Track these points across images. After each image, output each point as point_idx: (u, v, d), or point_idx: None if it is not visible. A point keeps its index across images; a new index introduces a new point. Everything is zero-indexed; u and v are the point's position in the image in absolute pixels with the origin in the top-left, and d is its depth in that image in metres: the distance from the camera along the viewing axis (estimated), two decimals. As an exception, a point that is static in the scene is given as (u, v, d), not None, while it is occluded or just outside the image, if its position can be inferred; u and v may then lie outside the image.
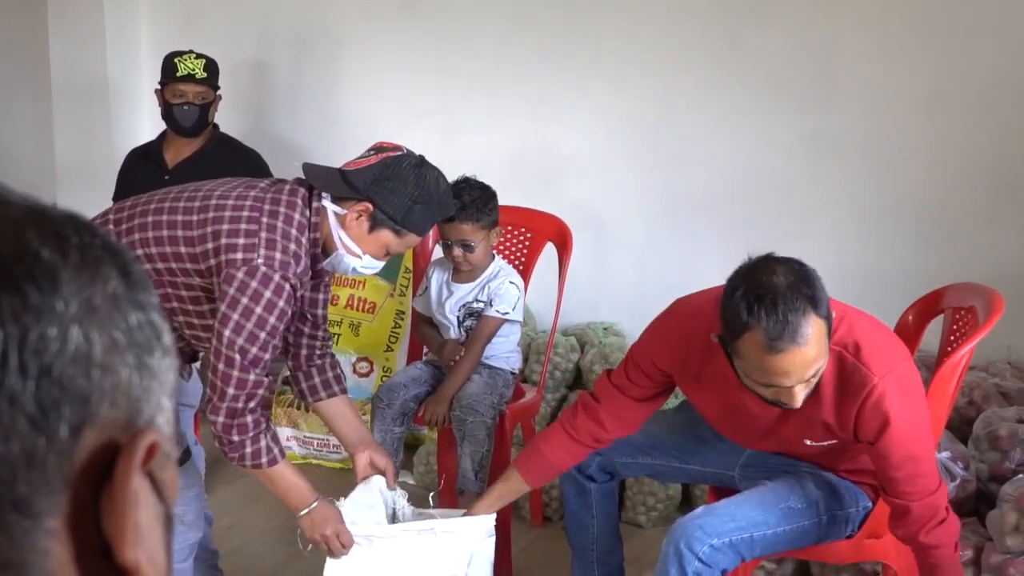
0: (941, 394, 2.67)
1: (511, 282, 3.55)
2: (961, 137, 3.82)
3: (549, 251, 3.88)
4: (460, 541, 2.83)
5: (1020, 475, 3.16)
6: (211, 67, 4.25)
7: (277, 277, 2.54)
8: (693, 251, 4.24)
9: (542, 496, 3.90)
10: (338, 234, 2.67)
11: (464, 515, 2.91)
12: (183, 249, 2.60)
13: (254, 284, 2.52)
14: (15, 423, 0.59)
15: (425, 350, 3.85)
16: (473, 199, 3.44)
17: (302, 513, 2.76)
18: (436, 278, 3.66)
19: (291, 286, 2.57)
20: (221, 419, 2.59)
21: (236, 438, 2.61)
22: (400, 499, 2.98)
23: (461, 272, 3.58)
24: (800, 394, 2.40)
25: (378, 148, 2.72)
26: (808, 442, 2.64)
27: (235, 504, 4.05)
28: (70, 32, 5.22)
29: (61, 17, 5.20)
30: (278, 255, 2.55)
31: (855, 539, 2.75)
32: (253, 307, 2.52)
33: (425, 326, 3.74)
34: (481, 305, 3.55)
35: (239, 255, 2.53)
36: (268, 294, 2.53)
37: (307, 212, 2.65)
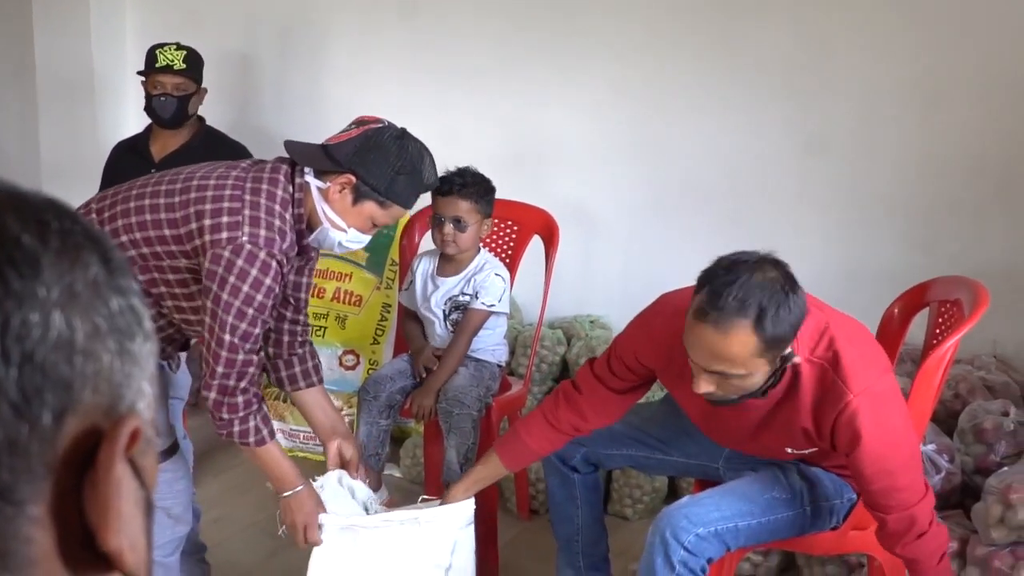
0: (926, 387, 2.67)
1: (497, 274, 3.55)
2: (949, 132, 3.82)
3: (536, 244, 3.88)
4: (443, 530, 2.83)
5: (1005, 468, 3.17)
6: (192, 59, 4.24)
7: (263, 255, 2.54)
8: (680, 245, 4.25)
9: (528, 489, 3.90)
10: (322, 208, 2.66)
11: (443, 499, 2.91)
12: (167, 231, 2.59)
13: (240, 263, 2.52)
14: None
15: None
16: (475, 180, 3.47)
17: (283, 495, 2.77)
18: (421, 272, 3.65)
19: (277, 263, 2.57)
20: (213, 395, 2.60)
21: (226, 416, 2.62)
22: (373, 502, 2.98)
23: (446, 261, 3.58)
24: (702, 383, 2.38)
25: (359, 122, 2.72)
26: (789, 450, 2.65)
27: (221, 497, 4.05)
28: (55, 25, 5.19)
29: (46, 10, 5.18)
30: (263, 232, 2.55)
31: (840, 531, 2.76)
32: (240, 285, 2.52)
33: (410, 322, 3.73)
34: (467, 298, 3.55)
35: (224, 234, 2.53)
36: (254, 272, 2.53)
37: (290, 188, 2.64)
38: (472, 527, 2.88)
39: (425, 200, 3.58)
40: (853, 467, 2.49)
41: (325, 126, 4.76)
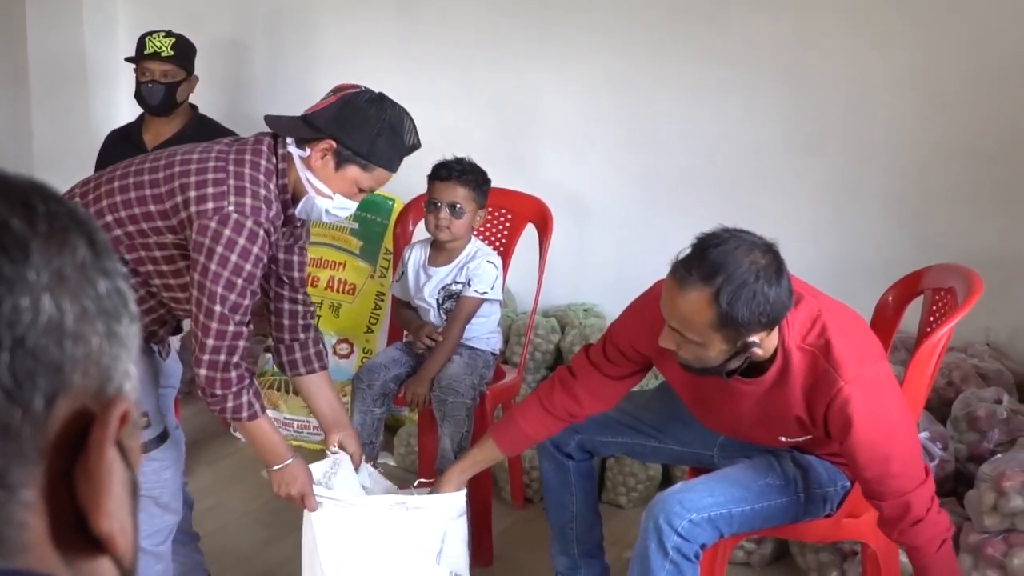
0: (920, 375, 2.68)
1: (489, 261, 3.55)
2: (942, 121, 3.82)
3: (530, 232, 3.88)
4: (432, 518, 2.83)
5: (998, 455, 3.18)
6: (181, 46, 4.23)
7: (249, 223, 2.53)
8: (673, 232, 4.19)
9: (523, 477, 3.91)
10: (306, 176, 2.67)
11: (438, 483, 2.92)
12: (152, 207, 2.59)
13: (227, 232, 2.52)
14: None
15: (406, 332, 3.85)
16: (474, 169, 3.49)
17: (274, 469, 2.78)
18: (413, 262, 3.65)
19: (264, 231, 2.57)
20: (204, 371, 2.60)
21: (219, 392, 2.62)
22: (368, 478, 3.00)
23: (438, 250, 3.58)
24: (664, 336, 2.43)
25: (337, 89, 2.72)
26: (783, 438, 2.65)
27: (215, 486, 4.05)
28: (48, 14, 5.17)
29: (39, -1, 5.16)
30: (248, 200, 2.55)
31: (834, 518, 2.76)
32: (228, 255, 2.52)
33: (404, 309, 3.73)
34: (460, 287, 3.54)
35: (209, 205, 2.53)
36: (242, 241, 2.53)
37: (273, 159, 2.65)
38: (464, 518, 2.88)
39: (421, 187, 3.59)
40: (847, 454, 2.49)
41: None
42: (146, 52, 4.19)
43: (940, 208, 3.86)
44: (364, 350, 4.47)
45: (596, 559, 3.13)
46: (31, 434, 0.61)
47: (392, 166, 2.72)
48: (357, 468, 2.99)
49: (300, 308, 2.95)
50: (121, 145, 4.28)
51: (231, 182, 2.56)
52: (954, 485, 3.33)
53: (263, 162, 2.63)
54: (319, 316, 4.46)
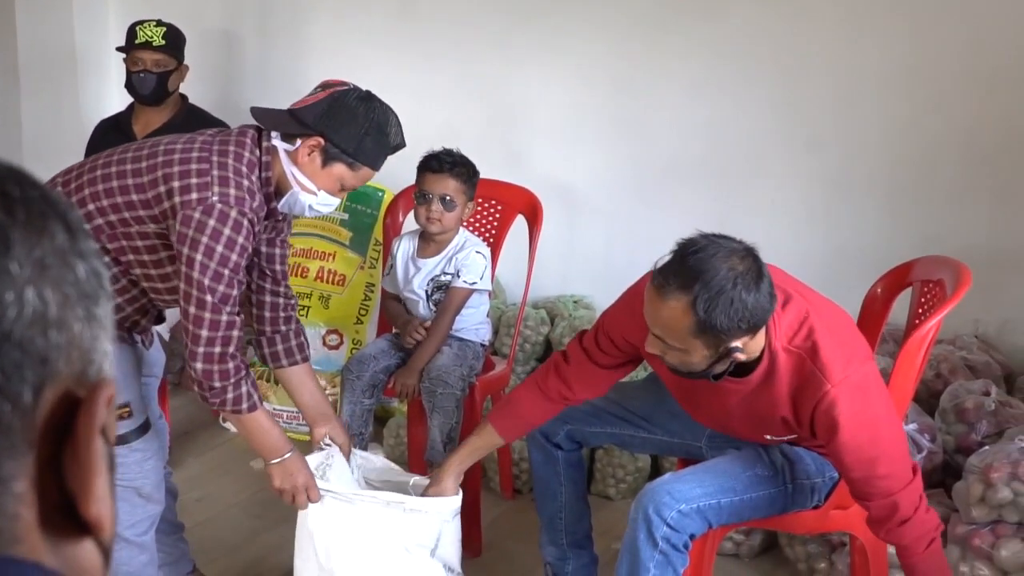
0: (908, 367, 2.68)
1: (477, 252, 3.55)
2: (933, 113, 3.82)
3: (519, 224, 3.88)
4: (428, 518, 2.83)
5: (986, 447, 3.19)
6: (172, 35, 4.22)
7: (234, 213, 2.53)
8: (662, 223, 4.23)
9: (512, 468, 3.91)
10: (291, 171, 2.67)
11: (436, 474, 2.92)
12: (135, 196, 2.58)
13: (212, 222, 2.51)
14: None
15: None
16: (464, 162, 3.49)
17: (274, 462, 2.77)
18: (402, 254, 3.64)
19: (248, 220, 2.56)
20: (200, 364, 2.58)
21: (217, 384, 2.61)
22: (365, 462, 3.01)
23: (426, 242, 3.58)
24: (651, 344, 2.44)
25: (325, 85, 2.72)
26: (768, 436, 2.67)
27: (204, 477, 4.05)
28: (37, 2, 5.15)
29: (28, -14, 5.14)
30: (232, 191, 2.54)
31: (821, 510, 2.77)
32: (214, 246, 2.51)
33: (392, 302, 3.72)
34: (449, 278, 3.54)
35: (193, 195, 2.52)
36: (227, 231, 2.52)
37: (256, 151, 2.64)
38: (458, 519, 2.89)
39: (410, 178, 3.58)
40: (833, 456, 2.51)
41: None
42: (137, 41, 4.18)
43: (930, 201, 3.86)
44: (354, 341, 4.46)
45: (585, 549, 3.14)
46: (20, 426, 0.61)
47: (376, 165, 2.73)
48: (348, 459, 3.00)
49: (281, 300, 2.94)
50: (111, 134, 4.27)
51: (215, 172, 2.55)
52: (942, 477, 3.34)
53: (246, 154, 2.62)
54: (308, 307, 4.46)
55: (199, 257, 2.51)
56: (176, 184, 2.54)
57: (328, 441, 2.97)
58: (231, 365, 2.61)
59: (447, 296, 3.54)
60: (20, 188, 0.64)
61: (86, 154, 4.28)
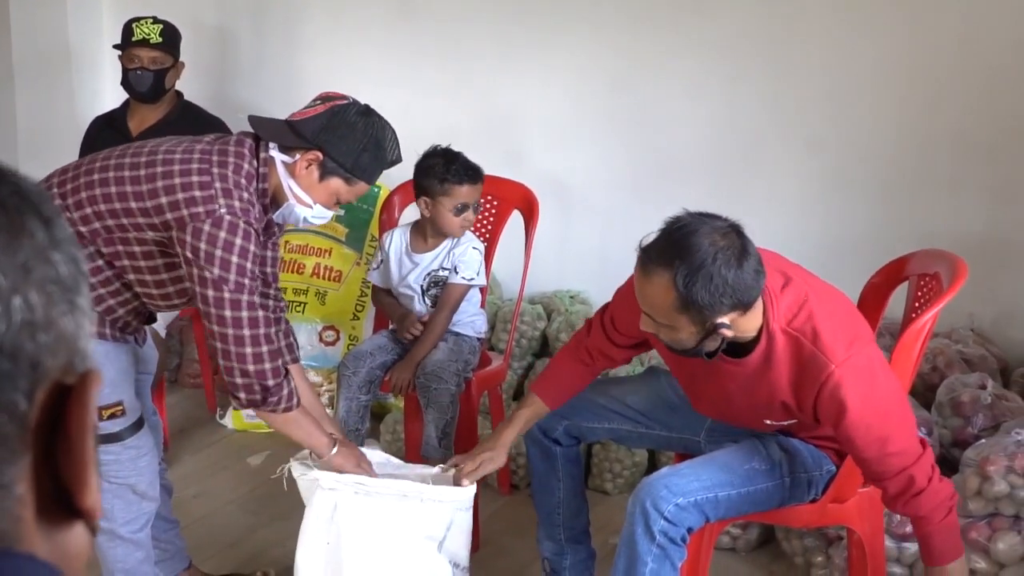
0: (905, 360, 2.68)
1: (474, 247, 3.56)
2: (927, 106, 3.82)
3: (515, 219, 3.88)
4: (440, 508, 2.83)
5: (982, 440, 3.20)
6: (168, 33, 4.21)
7: (242, 223, 2.54)
8: (658, 218, 4.17)
9: (509, 464, 3.91)
10: (288, 184, 2.67)
11: (484, 449, 2.92)
12: (134, 204, 2.58)
13: (223, 234, 2.52)
14: None
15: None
16: (473, 163, 3.49)
17: (333, 452, 2.79)
18: (394, 250, 3.63)
19: (255, 231, 2.58)
20: (252, 367, 2.59)
21: (272, 382, 2.62)
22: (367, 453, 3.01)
23: (421, 238, 3.58)
24: (644, 322, 2.48)
25: (324, 98, 2.73)
26: (768, 421, 2.66)
27: (201, 473, 4.05)
28: (31, -2, 5.14)
29: (21, -18, 5.12)
30: (237, 203, 2.55)
31: (819, 503, 2.77)
32: (229, 257, 2.52)
33: (384, 296, 3.72)
34: (446, 273, 3.54)
35: (200, 208, 2.52)
36: (239, 241, 2.53)
37: (255, 163, 2.65)
38: (470, 512, 2.87)
39: (405, 174, 3.57)
40: (842, 439, 2.50)
41: (301, 100, 4.71)
42: (134, 39, 4.17)
43: (926, 195, 3.86)
44: (350, 337, 4.46)
45: (582, 544, 3.14)
46: (17, 432, 0.61)
47: (372, 180, 2.77)
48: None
49: (271, 303, 2.95)
50: (106, 131, 4.27)
51: (217, 184, 2.56)
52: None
53: (245, 165, 2.63)
54: (304, 303, 4.46)
55: (217, 271, 2.52)
56: (180, 196, 2.54)
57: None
58: (280, 361, 2.64)
59: (445, 292, 3.54)
60: None
61: (81, 150, 4.27)
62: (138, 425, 2.80)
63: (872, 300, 3.05)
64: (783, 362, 2.47)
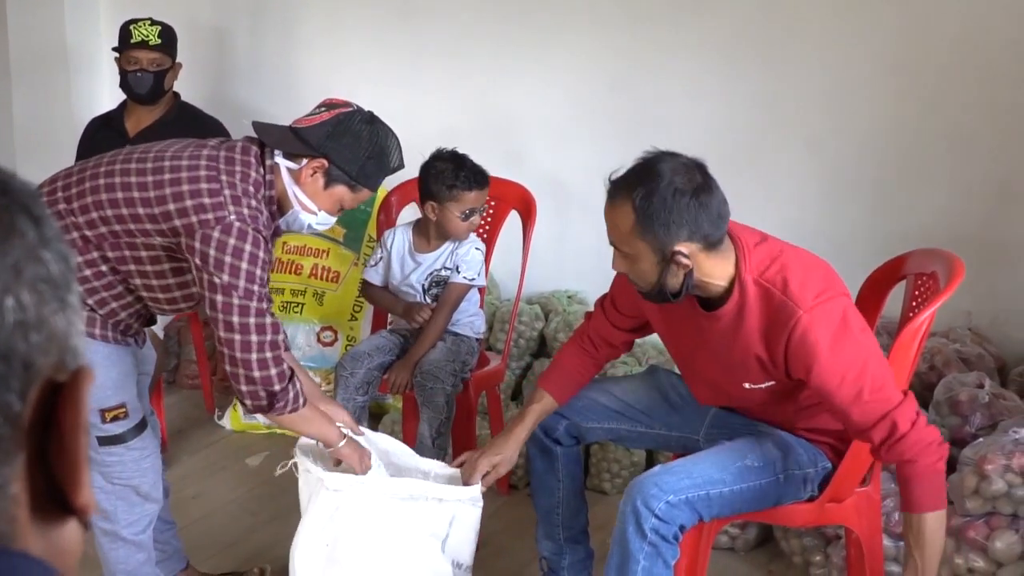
0: (902, 359, 2.68)
1: (476, 248, 3.58)
2: (923, 103, 3.83)
3: (513, 219, 3.88)
4: (444, 505, 2.82)
5: (980, 439, 3.19)
6: (167, 34, 4.21)
7: (251, 230, 2.55)
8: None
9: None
10: (293, 191, 2.69)
11: (499, 438, 2.94)
12: (141, 210, 2.58)
13: (233, 241, 2.52)
14: None
15: (390, 319, 3.84)
16: (480, 167, 3.51)
17: (341, 445, 2.81)
18: (396, 249, 3.64)
19: (264, 238, 2.59)
20: (258, 373, 2.59)
21: (278, 386, 2.62)
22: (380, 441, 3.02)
23: (423, 237, 3.59)
24: (615, 260, 2.56)
25: (328, 105, 2.74)
26: (747, 385, 2.64)
27: (199, 474, 4.05)
28: (28, -1, 5.14)
29: (19, -17, 5.12)
30: (245, 210, 2.57)
31: (816, 503, 2.76)
32: (239, 264, 2.53)
33: (379, 291, 3.72)
34: (448, 273, 3.55)
35: (210, 215, 2.53)
36: (249, 247, 2.54)
37: (261, 170, 2.66)
38: (478, 509, 2.84)
39: (402, 175, 3.57)
40: (816, 387, 2.47)
41: (298, 100, 4.75)
42: (133, 41, 4.17)
43: (924, 194, 3.87)
44: (348, 338, 4.46)
45: (581, 544, 3.14)
46: (11, 433, 0.60)
47: (375, 188, 2.80)
48: (357, 429, 2.98)
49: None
50: (103, 132, 4.27)
51: (226, 192, 2.56)
52: (936, 469, 3.34)
53: (252, 173, 2.64)
54: (302, 304, 4.46)
55: (227, 278, 2.53)
56: (189, 203, 2.54)
57: (339, 424, 2.95)
58: (285, 366, 2.64)
59: (446, 291, 3.54)
60: None
61: (78, 151, 4.28)
62: (141, 427, 2.80)
63: (869, 299, 3.05)
64: (754, 312, 2.49)
